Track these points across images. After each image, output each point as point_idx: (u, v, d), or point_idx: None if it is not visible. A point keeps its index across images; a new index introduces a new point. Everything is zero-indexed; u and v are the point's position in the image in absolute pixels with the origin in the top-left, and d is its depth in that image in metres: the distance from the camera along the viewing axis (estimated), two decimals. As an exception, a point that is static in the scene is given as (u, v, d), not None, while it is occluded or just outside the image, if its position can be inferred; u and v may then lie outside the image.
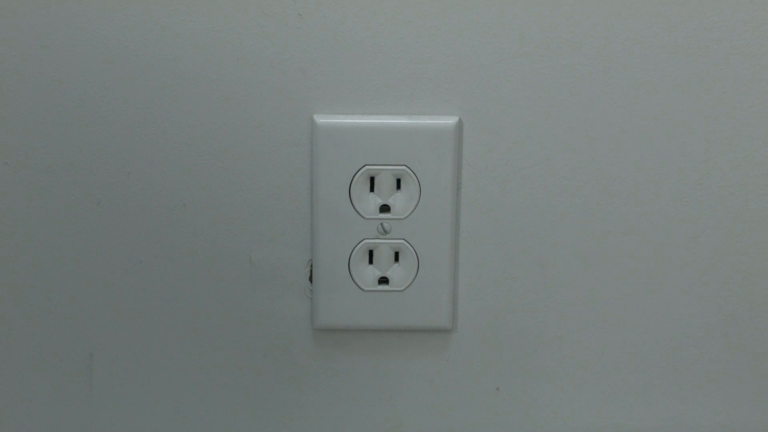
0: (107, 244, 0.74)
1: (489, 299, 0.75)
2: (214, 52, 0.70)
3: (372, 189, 0.72)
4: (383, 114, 0.71)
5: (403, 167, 0.72)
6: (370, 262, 0.74)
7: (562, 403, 0.78)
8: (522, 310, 0.76)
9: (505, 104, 0.71)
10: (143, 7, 0.69)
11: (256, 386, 0.77)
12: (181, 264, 0.74)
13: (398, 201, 0.72)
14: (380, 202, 0.72)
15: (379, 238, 0.73)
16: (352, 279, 0.73)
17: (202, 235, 0.74)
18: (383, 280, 0.74)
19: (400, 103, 0.71)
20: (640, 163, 0.73)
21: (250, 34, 0.70)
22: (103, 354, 0.76)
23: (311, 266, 0.74)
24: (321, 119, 0.71)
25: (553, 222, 0.74)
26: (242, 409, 0.77)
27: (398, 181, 0.72)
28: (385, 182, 0.72)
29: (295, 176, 0.73)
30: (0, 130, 0.72)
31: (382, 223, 0.73)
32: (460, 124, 0.72)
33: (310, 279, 0.74)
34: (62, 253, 0.74)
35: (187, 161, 0.72)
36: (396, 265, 0.74)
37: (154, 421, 0.78)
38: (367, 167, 0.72)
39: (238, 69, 0.70)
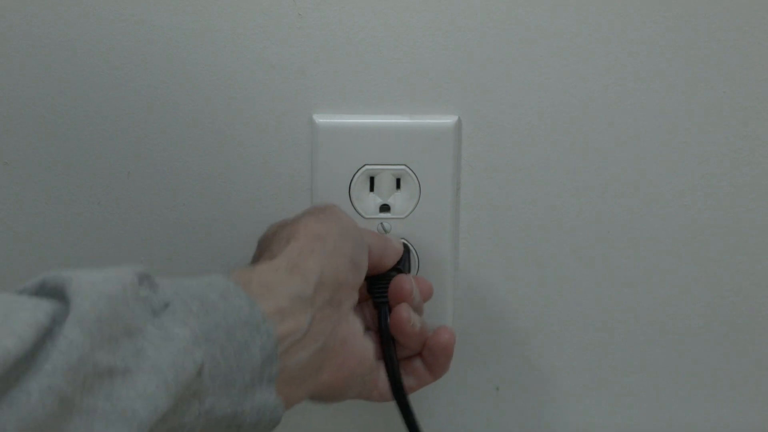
0: (107, 244, 0.74)
1: (489, 299, 0.75)
2: (214, 52, 0.70)
3: (372, 189, 0.72)
4: (383, 114, 0.71)
5: (403, 167, 0.72)
6: (370, 262, 0.74)
7: (562, 403, 0.78)
8: (522, 310, 0.76)
9: (505, 104, 0.71)
10: (143, 7, 0.69)
11: (256, 386, 0.77)
12: (181, 264, 0.74)
13: (398, 201, 0.72)
14: (380, 201, 0.72)
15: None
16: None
17: (202, 235, 0.74)
18: (383, 280, 0.74)
19: (400, 103, 0.71)
20: (640, 163, 0.72)
21: (250, 34, 0.70)
22: (103, 354, 0.76)
23: (311, 266, 0.74)
24: (321, 119, 0.71)
25: (553, 222, 0.74)
26: (242, 409, 0.77)
27: (398, 181, 0.72)
28: (384, 182, 0.72)
29: (295, 176, 0.73)
30: (0, 130, 0.72)
31: (382, 223, 0.73)
32: (459, 124, 0.72)
33: (310, 279, 0.74)
34: (62, 253, 0.74)
35: (187, 161, 0.72)
36: (396, 265, 0.74)
37: (154, 421, 0.78)
38: (366, 167, 0.72)
39: (238, 69, 0.70)
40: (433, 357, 0.67)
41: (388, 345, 0.66)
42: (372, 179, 0.72)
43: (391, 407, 0.67)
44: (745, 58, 0.70)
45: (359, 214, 0.72)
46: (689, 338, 0.76)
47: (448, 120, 0.71)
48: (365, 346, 0.64)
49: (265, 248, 0.63)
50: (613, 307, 0.76)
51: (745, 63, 0.71)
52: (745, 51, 0.70)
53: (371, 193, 0.72)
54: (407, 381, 0.67)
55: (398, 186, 0.72)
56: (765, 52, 0.70)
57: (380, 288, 0.67)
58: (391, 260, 0.68)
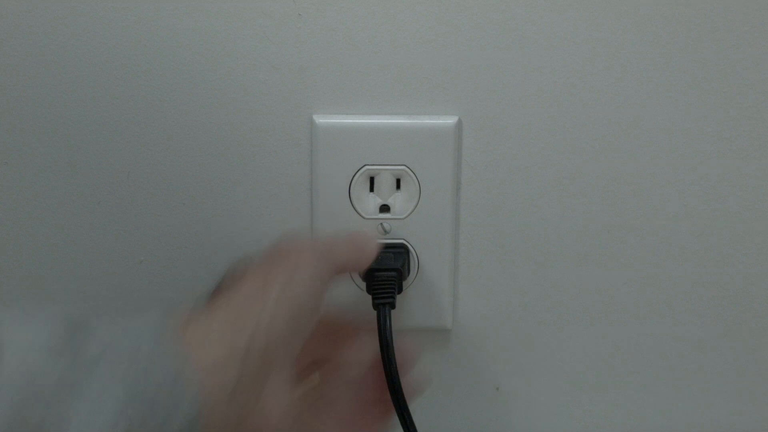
0: (107, 244, 0.74)
1: (489, 299, 0.75)
2: (214, 52, 0.70)
3: (372, 189, 0.72)
4: (383, 114, 0.71)
5: (403, 167, 0.72)
6: (370, 262, 0.74)
7: (562, 403, 0.78)
8: (522, 310, 0.76)
9: (505, 104, 0.71)
10: (143, 7, 0.69)
11: (256, 386, 0.77)
12: (181, 264, 0.74)
13: (398, 201, 0.72)
14: (380, 202, 0.72)
15: (379, 239, 0.73)
16: (353, 279, 0.73)
17: (202, 235, 0.74)
18: (383, 280, 0.74)
19: (400, 103, 0.71)
20: (640, 162, 0.73)
21: (250, 34, 0.70)
22: (103, 354, 0.76)
23: (311, 266, 0.74)
24: (321, 119, 0.71)
25: (553, 222, 0.74)
26: (242, 409, 0.77)
27: (398, 181, 0.72)
28: (384, 182, 0.72)
29: (295, 176, 0.73)
30: (0, 130, 0.72)
31: (382, 223, 0.73)
32: (459, 124, 0.72)
33: (310, 279, 0.74)
34: (62, 253, 0.74)
35: (187, 161, 0.72)
36: (396, 265, 0.74)
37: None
38: (366, 167, 0.72)
39: (238, 69, 0.71)
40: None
41: (386, 347, 0.66)
42: (372, 179, 0.72)
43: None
44: (745, 58, 0.70)
45: (359, 214, 0.72)
46: (689, 338, 0.76)
47: (448, 120, 0.71)
48: (285, 405, 0.61)
49: (223, 283, 0.62)
50: (613, 307, 0.76)
51: (745, 63, 0.71)
52: (745, 51, 0.70)
53: (371, 193, 0.72)
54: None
55: (398, 186, 0.72)
56: (765, 52, 0.70)
57: (379, 289, 0.67)
58: (365, 264, 0.67)
